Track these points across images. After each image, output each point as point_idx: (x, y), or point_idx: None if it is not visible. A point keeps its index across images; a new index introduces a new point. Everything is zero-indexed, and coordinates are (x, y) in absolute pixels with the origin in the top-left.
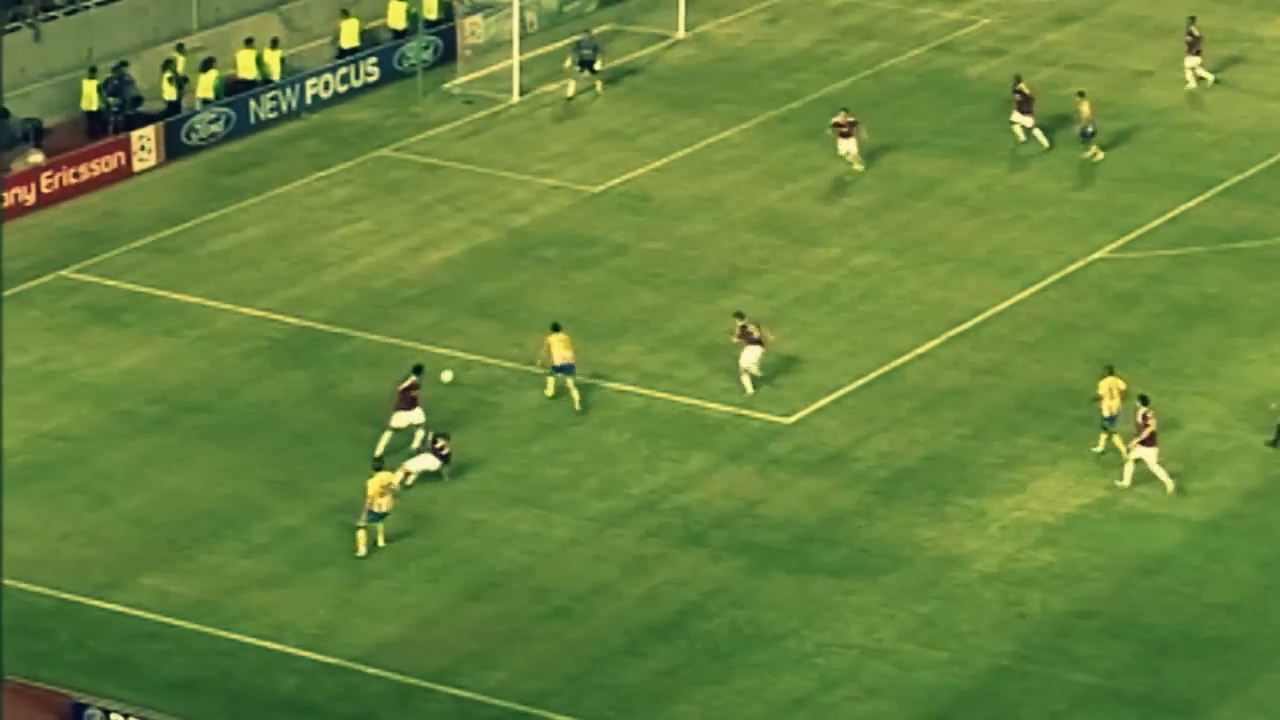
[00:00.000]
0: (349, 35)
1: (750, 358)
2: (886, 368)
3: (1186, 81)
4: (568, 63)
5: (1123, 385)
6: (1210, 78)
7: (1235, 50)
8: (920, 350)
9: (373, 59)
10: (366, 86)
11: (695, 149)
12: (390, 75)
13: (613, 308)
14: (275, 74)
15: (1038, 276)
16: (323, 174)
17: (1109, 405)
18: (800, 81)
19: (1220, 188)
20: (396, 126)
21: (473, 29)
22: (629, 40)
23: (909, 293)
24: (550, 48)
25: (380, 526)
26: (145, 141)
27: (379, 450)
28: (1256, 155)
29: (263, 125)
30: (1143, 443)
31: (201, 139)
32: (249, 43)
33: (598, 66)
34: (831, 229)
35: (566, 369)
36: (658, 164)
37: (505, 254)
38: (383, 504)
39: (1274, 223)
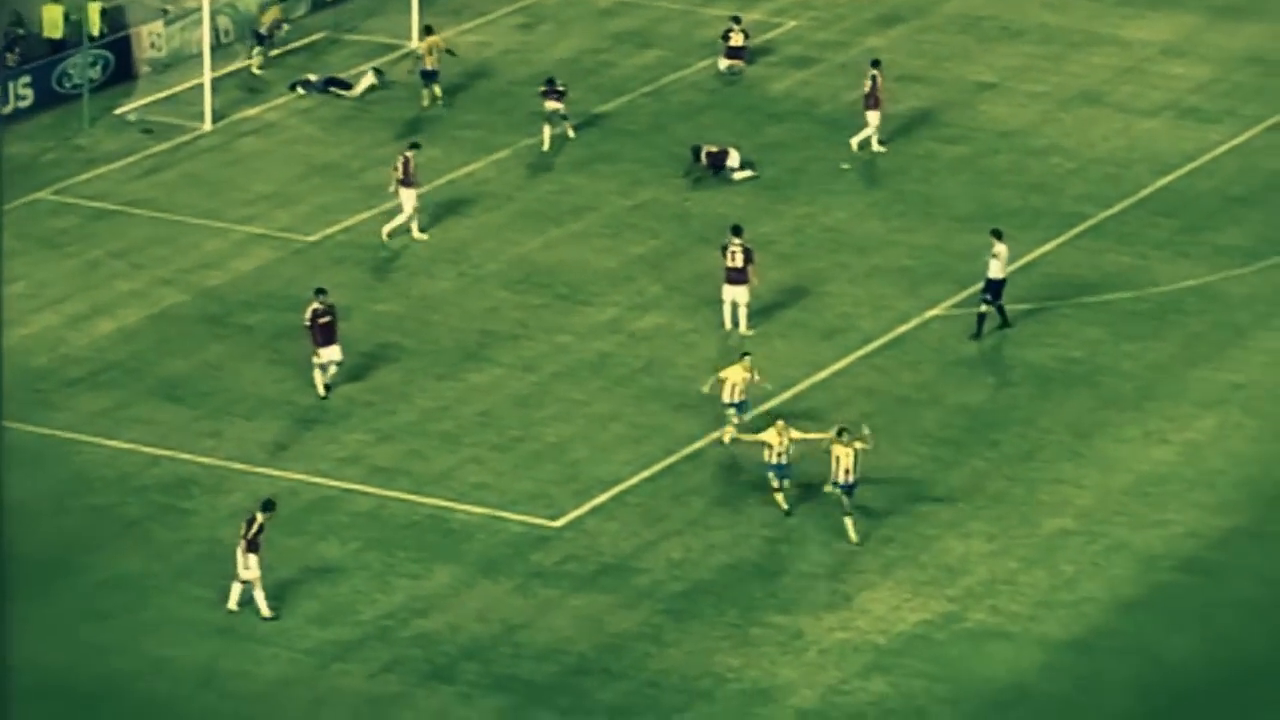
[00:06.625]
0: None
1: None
2: (677, 456)
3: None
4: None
5: None
6: None
7: (1097, 57)
8: (717, 434)
9: (25, 78)
10: (18, 113)
11: (434, 186)
12: (48, 99)
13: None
14: None
15: (860, 340)
16: None
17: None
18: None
19: (1082, 226)
20: (56, 163)
21: (152, 40)
22: (350, 51)
23: (703, 361)
24: (250, 62)
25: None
26: None
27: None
28: (1126, 186)
29: None
30: None
31: None
32: None
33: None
34: (605, 283)
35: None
36: (387, 206)
37: (196, 321)
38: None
39: (1149, 270)
